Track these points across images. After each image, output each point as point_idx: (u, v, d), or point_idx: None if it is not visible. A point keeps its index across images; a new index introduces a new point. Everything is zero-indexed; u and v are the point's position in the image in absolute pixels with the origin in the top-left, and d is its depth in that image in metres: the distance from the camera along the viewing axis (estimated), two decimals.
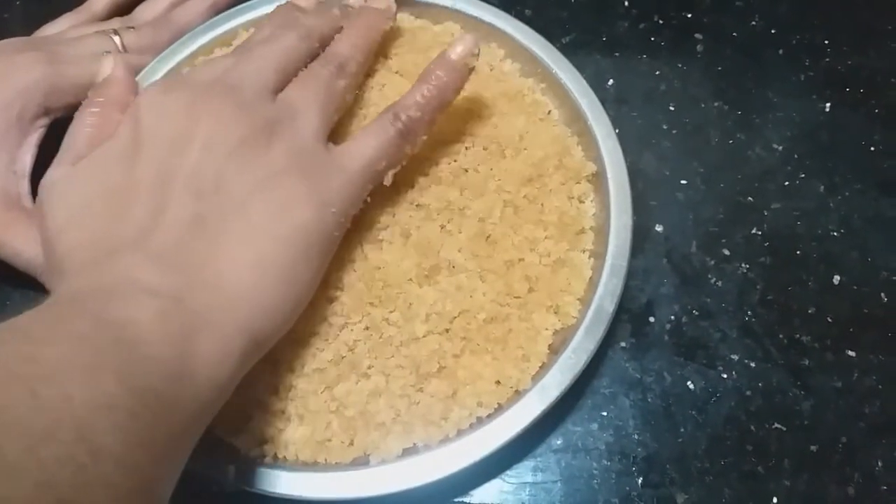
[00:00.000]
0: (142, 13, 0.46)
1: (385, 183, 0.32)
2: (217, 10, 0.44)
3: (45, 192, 0.30)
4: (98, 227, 0.27)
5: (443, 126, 0.36)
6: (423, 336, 0.32)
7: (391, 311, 0.32)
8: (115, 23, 0.45)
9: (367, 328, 0.32)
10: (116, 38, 0.41)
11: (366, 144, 0.31)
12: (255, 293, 0.26)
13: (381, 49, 0.39)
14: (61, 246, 0.28)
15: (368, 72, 0.38)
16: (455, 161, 0.35)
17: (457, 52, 0.33)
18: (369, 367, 0.32)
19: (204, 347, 0.24)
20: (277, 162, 0.29)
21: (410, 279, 0.33)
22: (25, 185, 0.37)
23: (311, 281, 0.29)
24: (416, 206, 0.35)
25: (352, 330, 0.32)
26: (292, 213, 0.28)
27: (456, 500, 0.34)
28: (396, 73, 0.38)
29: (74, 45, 0.40)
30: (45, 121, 0.38)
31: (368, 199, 0.32)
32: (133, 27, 0.43)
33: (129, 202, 0.27)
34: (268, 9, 0.42)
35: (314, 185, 0.29)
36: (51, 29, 0.45)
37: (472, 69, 0.33)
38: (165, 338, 0.23)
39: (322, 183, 0.29)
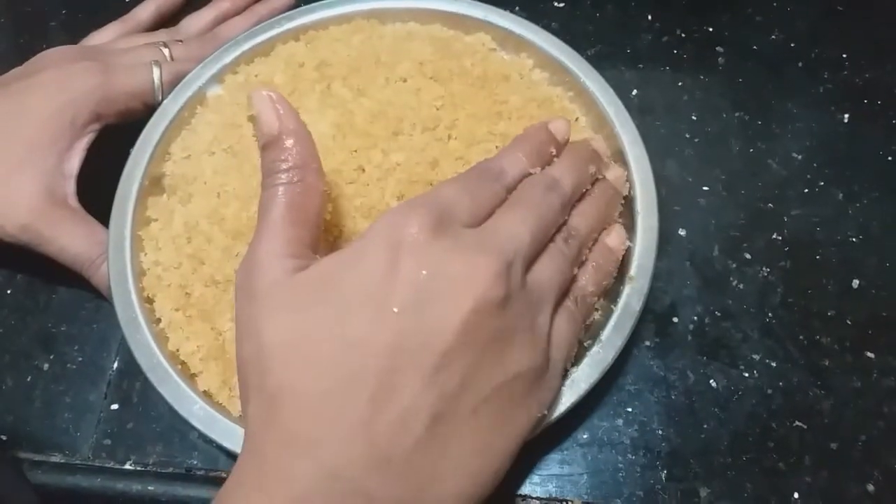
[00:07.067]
0: (188, 25, 0.48)
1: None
2: (261, 22, 0.46)
3: (264, 294, 0.26)
4: (322, 384, 0.25)
5: (475, 127, 0.38)
6: None
7: None
8: (163, 35, 0.47)
9: None
10: (166, 50, 0.43)
11: (567, 330, 0.30)
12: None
13: (415, 56, 0.41)
14: (273, 379, 0.25)
15: (403, 77, 0.40)
16: None
17: (616, 242, 0.35)
18: None
19: None
20: (515, 367, 0.27)
21: None
22: (72, 186, 0.39)
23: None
24: None
25: None
26: (515, 424, 0.27)
27: None
28: (431, 78, 0.40)
29: (127, 55, 0.43)
30: (95, 126, 0.40)
31: None
32: (181, 41, 0.45)
33: (362, 367, 0.25)
34: (306, 19, 0.43)
35: (537, 391, 0.28)
36: (98, 37, 0.47)
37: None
38: None
39: (542, 385, 0.29)
